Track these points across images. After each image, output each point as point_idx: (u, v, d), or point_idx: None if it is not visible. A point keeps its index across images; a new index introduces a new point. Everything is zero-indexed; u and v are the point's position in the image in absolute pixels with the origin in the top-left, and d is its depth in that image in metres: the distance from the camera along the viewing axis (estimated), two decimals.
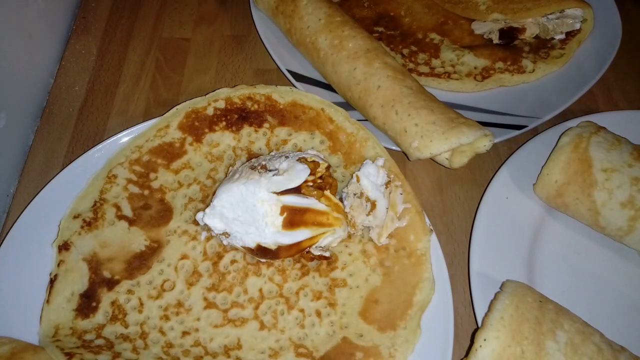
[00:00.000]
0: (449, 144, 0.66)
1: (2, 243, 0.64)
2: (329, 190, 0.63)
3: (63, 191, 0.67)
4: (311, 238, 0.61)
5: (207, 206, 0.62)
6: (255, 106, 0.73)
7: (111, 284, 0.62)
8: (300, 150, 0.71)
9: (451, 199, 0.75)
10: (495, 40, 0.86)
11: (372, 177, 0.64)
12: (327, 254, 0.64)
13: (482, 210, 0.68)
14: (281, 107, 0.73)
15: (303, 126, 0.72)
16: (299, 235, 0.60)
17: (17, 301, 0.61)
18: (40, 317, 0.60)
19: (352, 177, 0.66)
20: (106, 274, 0.63)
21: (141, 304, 0.62)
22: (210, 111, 0.72)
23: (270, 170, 0.62)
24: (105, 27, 0.93)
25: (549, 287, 0.62)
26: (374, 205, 0.64)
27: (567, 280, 0.65)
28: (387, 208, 0.64)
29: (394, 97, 0.70)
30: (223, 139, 0.72)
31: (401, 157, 0.74)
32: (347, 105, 0.76)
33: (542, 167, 0.68)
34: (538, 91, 0.80)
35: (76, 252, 0.63)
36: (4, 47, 0.78)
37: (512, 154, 0.73)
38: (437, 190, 0.76)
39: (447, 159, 0.70)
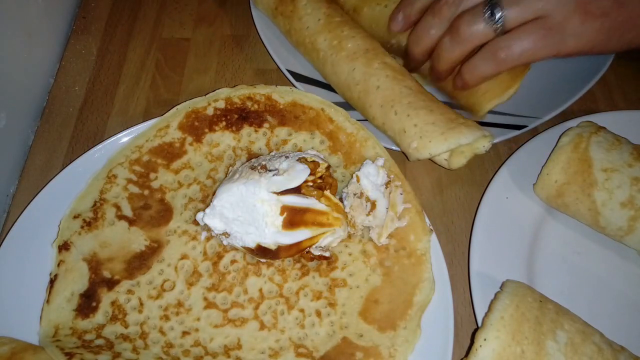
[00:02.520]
0: (448, 145, 0.66)
1: (2, 243, 0.64)
2: (329, 190, 0.63)
3: (63, 191, 0.67)
4: (311, 238, 0.61)
5: (207, 206, 0.62)
6: (255, 106, 0.73)
7: (111, 284, 0.62)
8: (300, 150, 0.71)
9: (451, 199, 0.75)
10: None
11: (372, 177, 0.64)
12: (327, 254, 0.64)
13: (482, 210, 0.68)
14: (281, 107, 0.73)
15: (303, 126, 0.72)
16: (299, 235, 0.60)
17: (17, 301, 0.61)
18: (40, 317, 0.60)
19: (352, 177, 0.66)
20: (106, 274, 0.63)
21: (141, 304, 0.62)
22: (210, 111, 0.73)
23: (270, 170, 0.62)
24: (105, 27, 0.93)
25: (549, 287, 0.62)
26: (374, 205, 0.64)
27: (567, 280, 0.65)
28: (387, 208, 0.64)
29: (393, 97, 0.70)
30: (223, 139, 0.72)
31: (401, 157, 0.74)
32: (347, 105, 0.76)
33: (542, 167, 0.68)
34: (538, 91, 0.80)
35: (76, 252, 0.63)
36: (4, 47, 0.78)
37: (512, 154, 0.73)
38: (437, 190, 0.76)
39: (445, 159, 0.70)
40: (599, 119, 0.72)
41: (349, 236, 0.65)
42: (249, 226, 0.61)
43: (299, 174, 0.61)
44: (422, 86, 0.73)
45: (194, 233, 0.66)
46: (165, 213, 0.67)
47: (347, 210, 0.65)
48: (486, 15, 0.63)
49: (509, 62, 0.65)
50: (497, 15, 0.63)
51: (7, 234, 0.64)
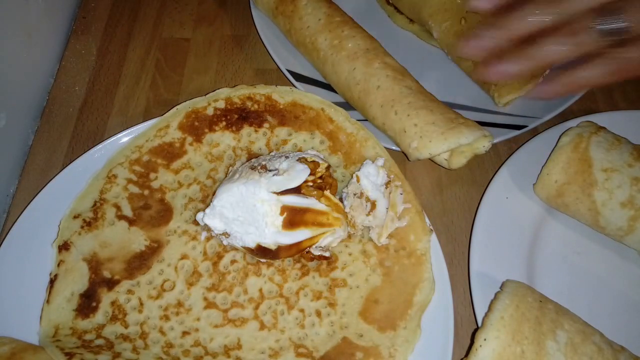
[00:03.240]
0: (448, 145, 0.66)
1: (2, 243, 0.64)
2: (329, 190, 0.63)
3: (63, 191, 0.67)
4: (311, 238, 0.61)
5: (207, 206, 0.62)
6: (255, 106, 0.73)
7: (111, 284, 0.62)
8: (300, 150, 0.71)
9: (451, 199, 0.75)
10: None
11: (372, 177, 0.64)
12: (327, 254, 0.64)
13: (482, 210, 0.68)
14: (281, 107, 0.73)
15: (303, 126, 0.72)
16: (299, 235, 0.60)
17: (17, 301, 0.61)
18: (40, 317, 0.60)
19: (352, 177, 0.66)
20: (106, 274, 0.63)
21: (141, 304, 0.62)
22: (210, 111, 0.73)
23: (270, 170, 0.62)
24: (105, 27, 0.93)
25: (549, 287, 0.62)
26: (374, 205, 0.64)
27: (567, 280, 0.65)
28: (387, 208, 0.64)
29: (393, 97, 0.70)
30: (223, 139, 0.72)
31: (401, 157, 0.74)
32: (347, 105, 0.76)
33: (542, 167, 0.68)
34: None
35: (76, 252, 0.63)
36: (4, 47, 0.78)
37: (512, 154, 0.73)
38: (437, 190, 0.76)
39: (445, 159, 0.70)
40: (599, 119, 0.72)
41: (349, 236, 0.65)
42: (249, 226, 0.61)
43: (299, 174, 0.61)
44: (422, 86, 0.73)
45: (194, 233, 0.66)
46: (165, 213, 0.67)
47: (347, 210, 0.65)
48: (605, 26, 0.58)
49: (629, 73, 0.61)
50: (618, 28, 0.57)
51: (7, 234, 0.64)
